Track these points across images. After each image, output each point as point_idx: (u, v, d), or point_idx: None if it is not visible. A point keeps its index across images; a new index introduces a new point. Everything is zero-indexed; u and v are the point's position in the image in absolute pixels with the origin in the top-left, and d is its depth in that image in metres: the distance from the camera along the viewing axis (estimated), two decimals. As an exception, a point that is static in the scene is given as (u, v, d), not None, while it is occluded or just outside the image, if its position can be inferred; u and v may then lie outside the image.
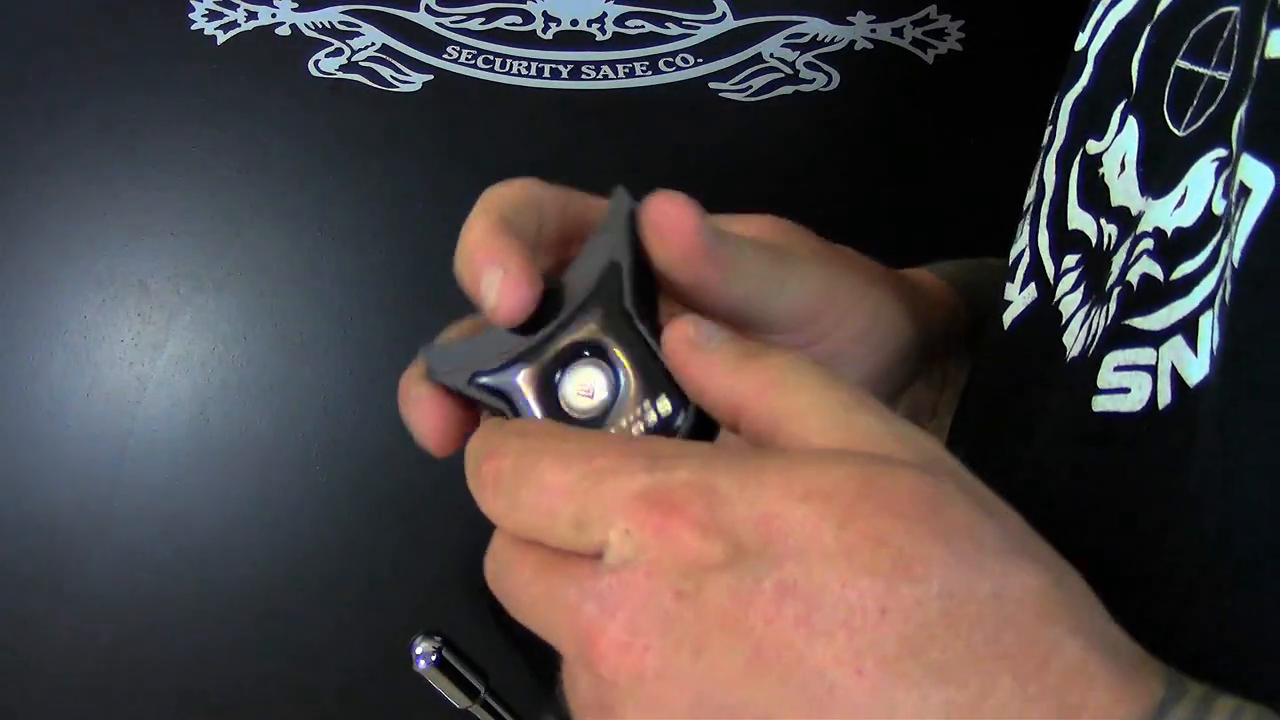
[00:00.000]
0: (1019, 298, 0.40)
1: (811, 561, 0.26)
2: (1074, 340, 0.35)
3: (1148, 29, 0.36)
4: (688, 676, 0.26)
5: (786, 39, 0.80)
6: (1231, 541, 0.27)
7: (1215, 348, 0.28)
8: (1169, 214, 0.31)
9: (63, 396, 0.85)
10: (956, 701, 0.25)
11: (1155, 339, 0.30)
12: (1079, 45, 0.41)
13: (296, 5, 0.80)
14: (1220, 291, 0.28)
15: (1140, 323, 0.31)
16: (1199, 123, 0.32)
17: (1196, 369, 0.29)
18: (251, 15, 0.80)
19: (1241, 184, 0.27)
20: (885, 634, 0.26)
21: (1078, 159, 0.38)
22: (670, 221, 0.33)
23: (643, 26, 0.80)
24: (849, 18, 0.79)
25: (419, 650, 0.84)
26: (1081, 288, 0.36)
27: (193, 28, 0.80)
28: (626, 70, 0.81)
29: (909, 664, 0.25)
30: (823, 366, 0.31)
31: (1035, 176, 0.41)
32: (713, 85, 0.81)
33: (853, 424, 0.29)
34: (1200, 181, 0.31)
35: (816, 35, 0.80)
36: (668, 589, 0.26)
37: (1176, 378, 0.29)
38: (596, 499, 0.28)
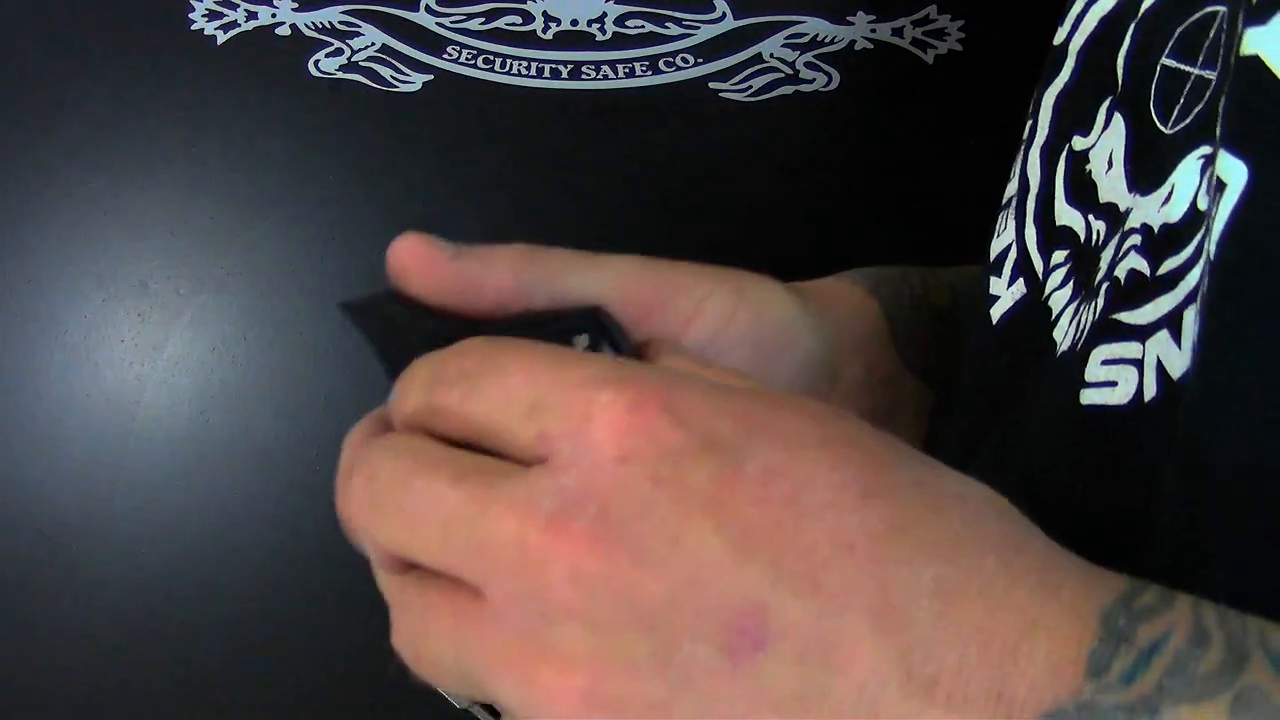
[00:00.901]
0: (1007, 293, 0.40)
1: (795, 449, 0.26)
2: (1064, 335, 0.35)
3: (1132, 26, 0.36)
4: (670, 564, 0.25)
5: (786, 39, 0.80)
6: (1204, 535, 0.28)
7: (1195, 341, 0.29)
8: (1156, 210, 0.32)
9: (63, 396, 0.85)
10: (946, 577, 0.26)
11: (1142, 333, 0.31)
12: (1058, 40, 0.41)
13: (296, 5, 0.80)
14: (1202, 285, 0.29)
15: (1127, 317, 0.31)
16: (1186, 120, 0.32)
17: (1180, 362, 0.29)
18: (251, 15, 0.80)
19: (1219, 179, 0.27)
20: (871, 514, 0.26)
21: (1063, 155, 0.39)
22: (402, 257, 0.34)
23: (643, 26, 0.80)
24: (849, 18, 0.79)
25: (419, 650, 0.84)
26: (1071, 283, 0.36)
27: (193, 28, 0.80)
28: (626, 70, 0.81)
29: (899, 541, 0.26)
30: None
31: (1016, 170, 0.41)
32: (713, 85, 0.81)
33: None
34: (1186, 178, 0.31)
35: (816, 35, 0.80)
36: (644, 475, 0.25)
37: (1162, 371, 0.30)
38: (560, 384, 0.27)
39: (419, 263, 0.34)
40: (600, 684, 0.25)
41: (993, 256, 0.42)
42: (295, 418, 0.85)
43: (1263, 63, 0.27)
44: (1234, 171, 0.27)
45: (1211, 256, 0.27)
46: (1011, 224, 0.41)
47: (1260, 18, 0.27)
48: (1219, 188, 0.27)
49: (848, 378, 0.43)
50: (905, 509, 0.26)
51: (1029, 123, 0.42)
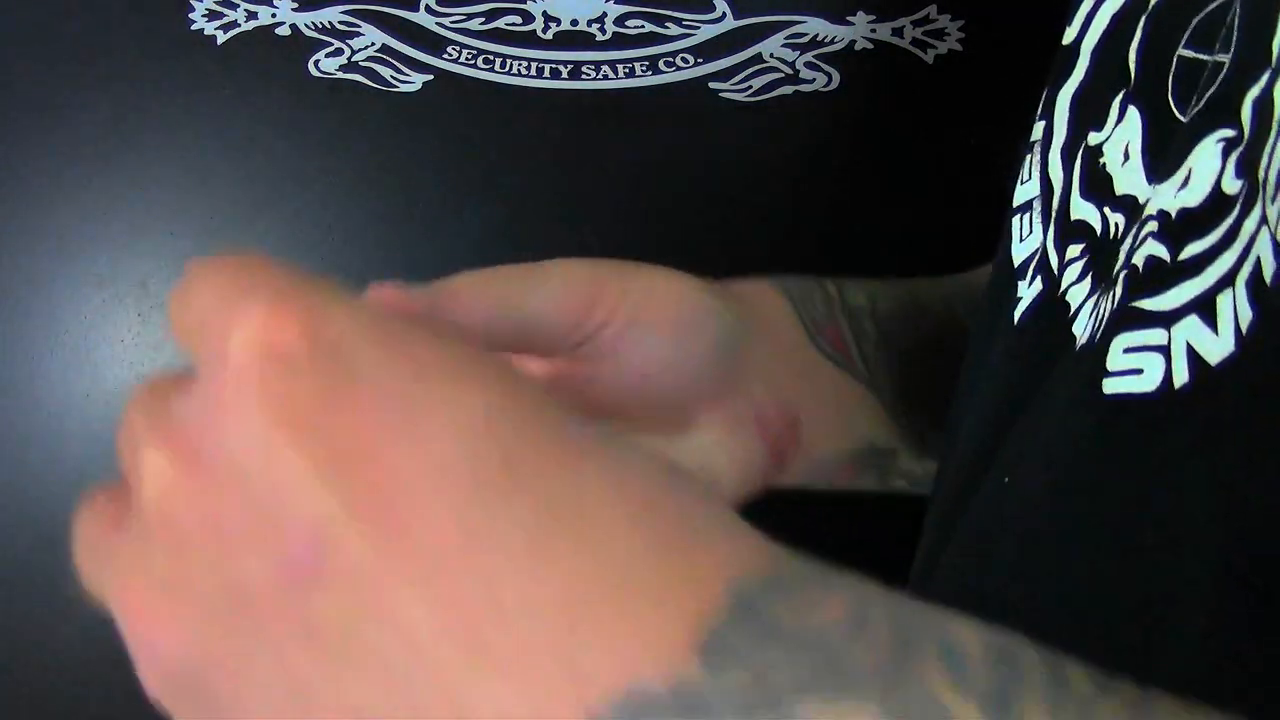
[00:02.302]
0: (1026, 292, 0.40)
1: (429, 382, 0.24)
2: (1083, 329, 0.35)
3: (1143, 20, 0.37)
4: (254, 479, 0.23)
5: (786, 39, 0.80)
6: (1243, 510, 0.27)
7: (1246, 325, 0.28)
8: (1173, 196, 0.32)
9: (63, 396, 0.85)
10: (544, 533, 0.23)
11: (1166, 319, 0.30)
12: (1067, 40, 0.41)
13: (296, 5, 0.80)
14: (1242, 269, 0.29)
15: (1149, 304, 0.31)
16: (1199, 105, 0.32)
17: (1218, 347, 0.29)
18: (251, 15, 0.80)
19: None
20: (484, 463, 0.23)
21: (1080, 152, 0.39)
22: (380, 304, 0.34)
23: (643, 26, 0.80)
24: (849, 18, 0.79)
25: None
26: (1089, 277, 0.36)
27: (193, 28, 0.80)
28: (626, 70, 0.81)
29: (503, 489, 0.23)
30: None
31: (1036, 172, 0.41)
32: (713, 85, 0.81)
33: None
34: (1206, 161, 0.31)
35: (816, 35, 0.80)
36: (255, 385, 0.23)
37: (1194, 357, 0.29)
38: (226, 301, 0.25)
39: (398, 307, 0.35)
40: (163, 602, 0.25)
41: (1018, 262, 0.42)
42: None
43: None
44: None
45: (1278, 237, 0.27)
46: (1039, 227, 0.41)
47: None
48: None
49: (764, 364, 0.45)
50: (531, 461, 0.23)
51: (1041, 123, 0.42)
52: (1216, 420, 0.28)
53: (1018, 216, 0.42)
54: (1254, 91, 0.30)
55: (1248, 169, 0.30)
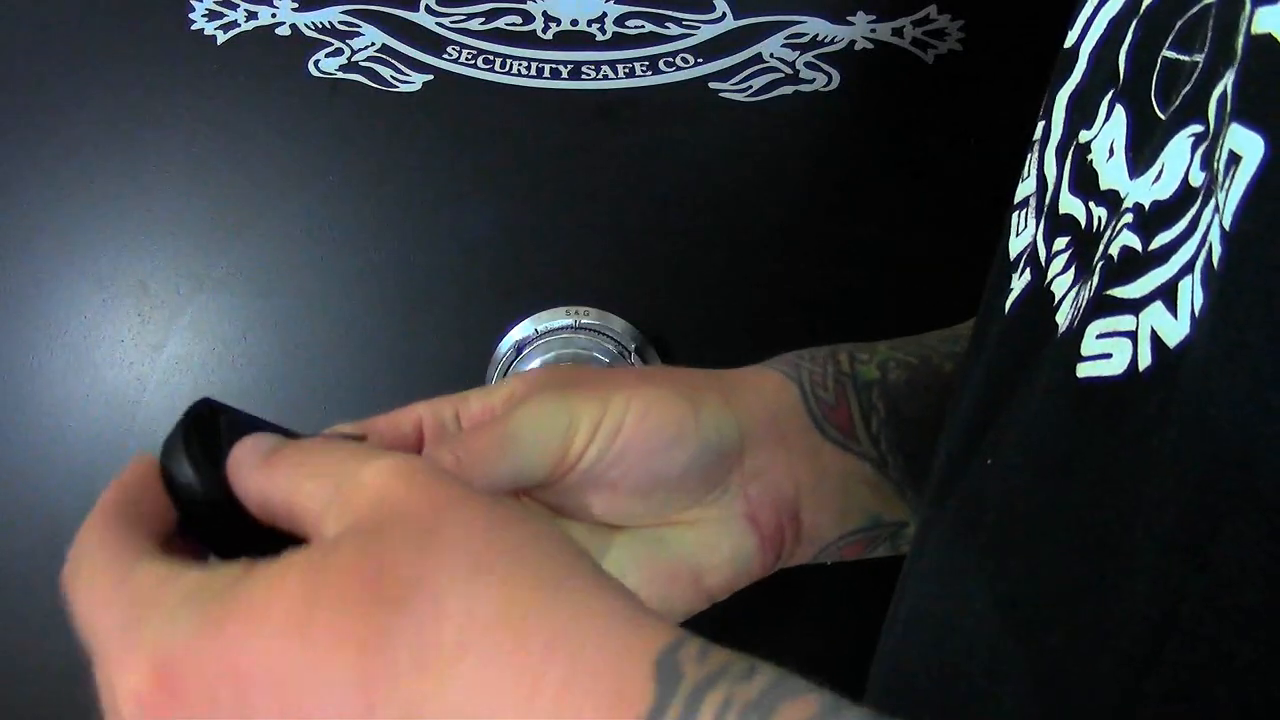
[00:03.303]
0: (1017, 284, 0.42)
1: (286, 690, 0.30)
2: (1064, 317, 0.37)
3: (1133, 23, 0.38)
4: None
5: (786, 39, 0.80)
6: (1205, 491, 0.28)
7: (1198, 308, 0.29)
8: (1148, 189, 0.33)
9: (63, 396, 0.85)
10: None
11: (1135, 306, 0.32)
12: (1069, 42, 0.42)
13: (296, 5, 0.80)
14: (1199, 256, 0.30)
15: (1120, 292, 0.32)
16: (1176, 104, 0.34)
17: (1176, 331, 0.30)
18: (251, 15, 0.80)
19: (1231, 152, 0.28)
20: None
21: (1071, 150, 0.40)
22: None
23: (643, 26, 0.80)
24: (849, 18, 0.79)
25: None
26: (1072, 269, 0.38)
27: (193, 28, 0.80)
28: (626, 70, 0.81)
29: None
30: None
31: (1034, 170, 0.43)
32: (713, 85, 0.81)
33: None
34: (1176, 156, 0.32)
35: (816, 35, 0.80)
36: None
37: (1156, 341, 0.31)
38: (103, 642, 0.35)
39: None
40: None
41: (1013, 255, 0.43)
42: (294, 417, 0.84)
43: (1275, 40, 0.27)
44: (1249, 144, 0.28)
45: (1226, 227, 0.28)
46: (1032, 222, 0.42)
47: None
48: (1232, 160, 0.28)
49: (763, 459, 0.48)
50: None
51: (1041, 123, 0.43)
52: (1168, 400, 0.29)
53: (1016, 212, 0.44)
54: (1219, 88, 0.31)
55: (1209, 161, 0.31)
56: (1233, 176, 0.28)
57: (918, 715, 0.38)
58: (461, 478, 0.39)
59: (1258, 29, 0.28)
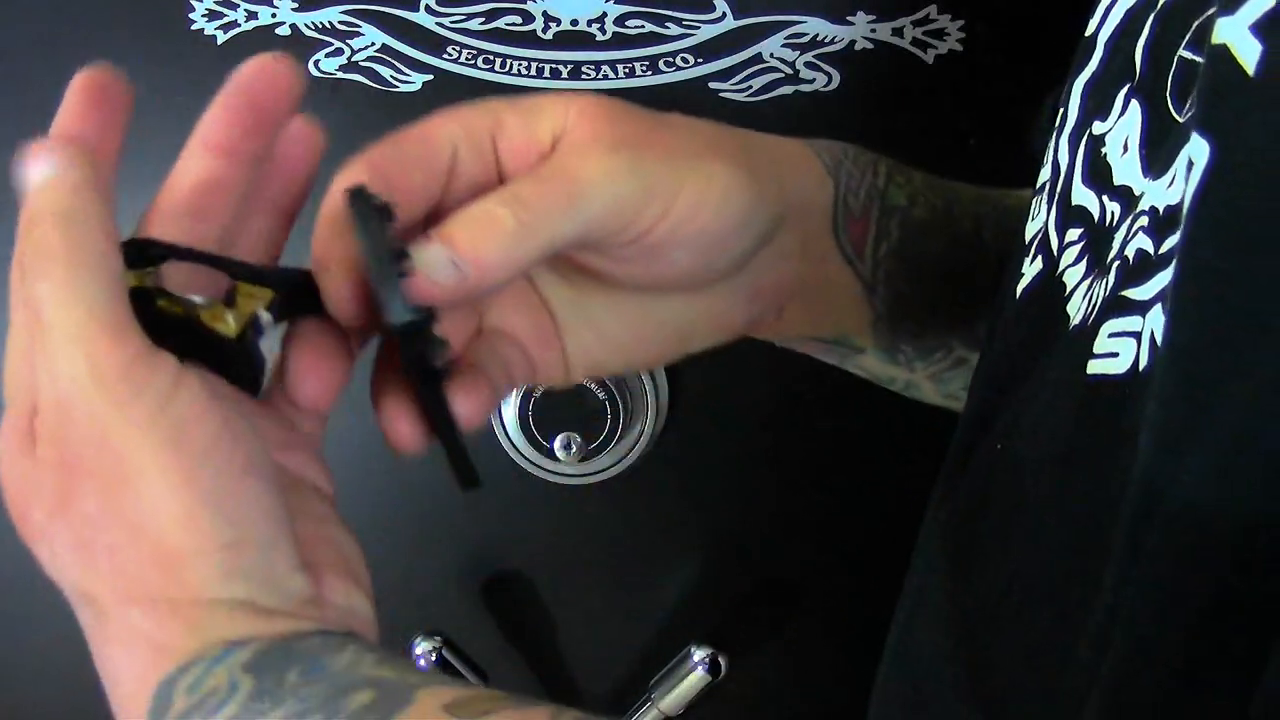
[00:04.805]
0: (1029, 269, 0.42)
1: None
2: (1076, 310, 0.37)
3: (1150, 17, 0.38)
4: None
5: (786, 39, 0.80)
6: (1163, 494, 0.29)
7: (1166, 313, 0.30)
8: (1163, 192, 0.33)
9: (63, 396, 0.84)
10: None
11: (1143, 308, 0.32)
12: (1090, 30, 0.43)
13: (296, 5, 0.80)
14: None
15: (1133, 293, 0.33)
16: (1188, 107, 0.34)
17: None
18: (251, 15, 0.80)
19: (1190, 160, 0.29)
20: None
21: (1084, 139, 0.40)
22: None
23: (643, 26, 0.80)
24: (849, 18, 0.80)
25: (419, 650, 0.84)
26: (1084, 261, 0.38)
27: (193, 28, 0.80)
28: (626, 70, 0.81)
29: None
30: None
31: (1050, 157, 0.43)
32: (713, 85, 0.81)
33: None
34: (1187, 162, 0.32)
35: (816, 35, 0.80)
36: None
37: (1154, 343, 0.31)
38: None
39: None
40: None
41: (1027, 239, 0.44)
42: (295, 418, 0.85)
43: (1228, 50, 0.28)
44: (1200, 152, 0.28)
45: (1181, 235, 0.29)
46: (1044, 208, 0.43)
47: (1230, 8, 0.28)
48: (1189, 167, 0.29)
49: (784, 250, 0.47)
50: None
51: (1060, 110, 0.44)
52: (1152, 398, 0.30)
53: (1035, 197, 0.44)
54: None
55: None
56: (1189, 184, 0.29)
57: (930, 687, 0.39)
58: (522, 242, 0.40)
59: (1215, 39, 0.28)
